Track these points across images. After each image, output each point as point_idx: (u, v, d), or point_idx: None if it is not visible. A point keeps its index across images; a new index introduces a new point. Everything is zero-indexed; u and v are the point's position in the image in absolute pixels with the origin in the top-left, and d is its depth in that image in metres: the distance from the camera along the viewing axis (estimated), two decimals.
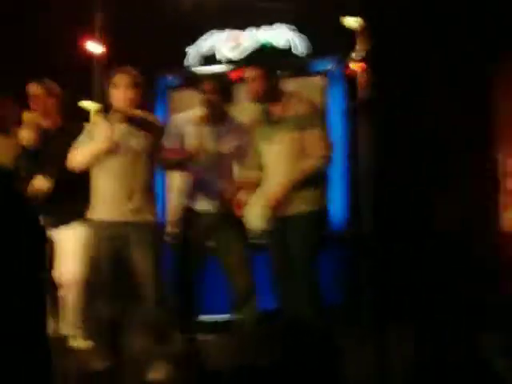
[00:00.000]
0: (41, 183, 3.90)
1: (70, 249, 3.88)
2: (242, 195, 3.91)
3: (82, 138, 3.72)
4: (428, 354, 2.80)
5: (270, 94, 3.82)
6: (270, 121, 3.84)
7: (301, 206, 3.72)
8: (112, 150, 3.61)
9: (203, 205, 3.98)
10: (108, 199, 3.63)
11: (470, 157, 5.05)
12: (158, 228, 3.78)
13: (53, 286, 4.09)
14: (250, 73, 3.82)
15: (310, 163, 3.71)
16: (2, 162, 3.85)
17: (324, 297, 3.73)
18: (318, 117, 3.81)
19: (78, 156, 3.67)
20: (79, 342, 3.94)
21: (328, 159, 3.76)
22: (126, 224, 3.63)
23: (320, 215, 3.81)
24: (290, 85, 4.18)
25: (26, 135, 3.91)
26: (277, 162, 3.80)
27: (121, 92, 3.64)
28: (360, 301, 4.32)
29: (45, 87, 4.08)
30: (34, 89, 4.07)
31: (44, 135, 4.04)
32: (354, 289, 4.68)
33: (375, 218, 4.25)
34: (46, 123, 4.09)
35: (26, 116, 3.94)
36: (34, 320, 2.74)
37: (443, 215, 4.88)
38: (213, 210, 3.95)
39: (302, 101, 3.85)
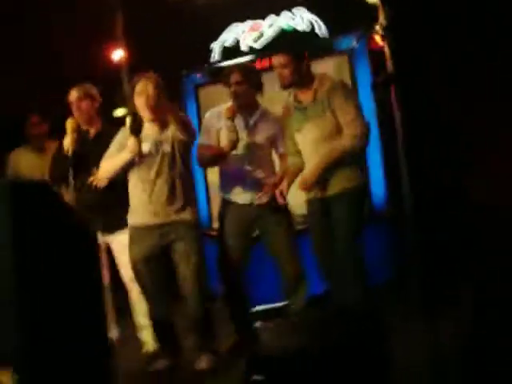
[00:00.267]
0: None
1: (125, 252, 3.93)
2: (282, 183, 3.94)
3: (111, 148, 3.77)
4: (478, 334, 2.76)
5: (300, 79, 3.81)
6: (301, 106, 3.83)
7: (340, 184, 3.72)
8: (138, 161, 3.66)
9: (244, 197, 4.01)
10: (147, 202, 3.68)
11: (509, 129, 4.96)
12: (199, 225, 3.82)
13: (112, 290, 4.17)
14: (278, 60, 3.81)
15: (344, 143, 3.70)
16: (38, 177, 3.91)
17: (369, 275, 3.74)
18: (349, 96, 3.79)
19: (106, 168, 3.73)
20: (144, 343, 4.03)
21: (363, 138, 3.74)
22: (167, 225, 3.67)
23: (360, 191, 3.80)
24: (316, 67, 4.16)
25: (66, 143, 3.95)
26: (312, 146, 3.80)
27: (143, 99, 3.67)
28: (407, 278, 4.30)
29: (81, 91, 4.10)
30: (74, 94, 4.11)
31: (85, 139, 4.08)
32: (400, 266, 4.65)
33: (415, 192, 4.21)
34: (86, 127, 4.12)
35: (67, 124, 3.98)
36: (92, 324, 2.81)
37: (483, 189, 4.81)
38: (254, 201, 3.98)
39: (331, 82, 3.83)
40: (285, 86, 3.87)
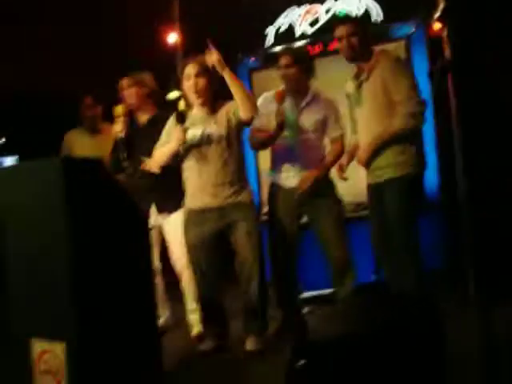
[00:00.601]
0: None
1: (178, 235, 3.95)
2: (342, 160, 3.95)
3: (162, 136, 3.78)
4: None
5: (362, 54, 3.74)
6: (359, 83, 3.77)
7: (393, 170, 3.65)
8: (191, 146, 3.65)
9: (292, 181, 3.99)
10: (204, 185, 3.67)
11: None
12: (254, 208, 3.80)
13: (163, 274, 4.22)
14: (341, 31, 3.73)
15: (398, 122, 3.61)
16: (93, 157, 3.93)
17: (423, 262, 3.67)
18: (404, 74, 3.68)
19: (157, 156, 3.74)
20: (193, 326, 4.06)
21: (419, 117, 3.63)
22: (225, 208, 3.66)
23: (414, 178, 3.71)
24: None
25: (116, 128, 4.01)
26: (366, 123, 3.74)
27: (191, 81, 3.66)
28: (461, 267, 4.22)
29: (132, 79, 4.14)
30: (122, 82, 4.16)
31: (137, 126, 4.13)
32: (454, 255, 4.57)
33: (470, 181, 4.13)
34: (137, 113, 4.17)
35: (116, 110, 4.04)
36: (141, 307, 2.84)
37: None
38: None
39: (388, 58, 3.74)
40: (350, 58, 3.78)
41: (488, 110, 4.88)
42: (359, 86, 3.77)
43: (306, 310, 3.57)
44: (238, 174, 3.70)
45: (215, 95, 3.72)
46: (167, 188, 3.92)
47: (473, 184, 4.06)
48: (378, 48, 3.87)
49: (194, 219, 3.71)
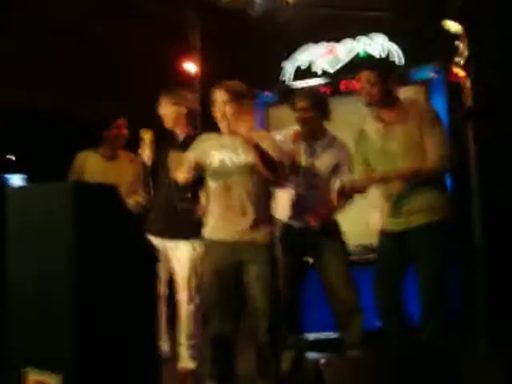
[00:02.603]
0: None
1: (184, 268, 3.86)
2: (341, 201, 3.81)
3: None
4: None
5: (385, 98, 3.68)
6: (385, 125, 3.69)
7: (428, 215, 3.52)
8: (208, 175, 3.57)
9: (301, 221, 3.91)
10: (219, 217, 3.56)
11: None
12: (270, 249, 3.65)
13: (166, 302, 4.11)
14: (366, 77, 3.67)
15: (432, 163, 3.49)
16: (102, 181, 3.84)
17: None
18: (433, 119, 3.60)
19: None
20: (185, 362, 3.96)
21: (447, 161, 3.51)
22: (238, 243, 3.53)
23: (442, 225, 3.56)
24: None
25: (144, 154, 3.94)
26: (393, 162, 3.63)
27: (220, 109, 3.56)
28: (477, 318, 4.11)
29: (172, 98, 4.03)
30: (162, 100, 4.05)
31: (172, 143, 4.00)
32: (470, 306, 4.46)
33: (486, 230, 4.06)
34: (174, 131, 4.06)
35: (144, 134, 3.96)
36: (143, 336, 2.76)
37: None
38: (307, 226, 3.86)
39: (422, 107, 3.67)
40: (370, 104, 3.72)
41: (508, 157, 4.82)
42: (388, 128, 3.67)
43: (322, 361, 3.38)
44: (255, 209, 3.57)
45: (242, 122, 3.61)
46: (185, 213, 3.83)
47: (490, 231, 3.99)
48: (403, 91, 3.81)
49: (210, 249, 3.58)
